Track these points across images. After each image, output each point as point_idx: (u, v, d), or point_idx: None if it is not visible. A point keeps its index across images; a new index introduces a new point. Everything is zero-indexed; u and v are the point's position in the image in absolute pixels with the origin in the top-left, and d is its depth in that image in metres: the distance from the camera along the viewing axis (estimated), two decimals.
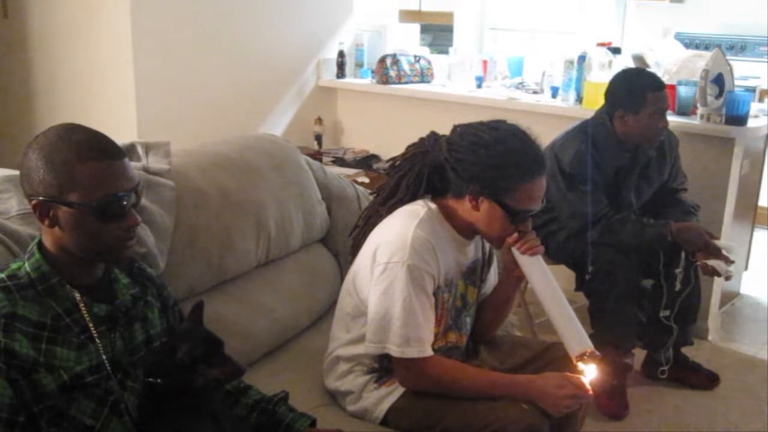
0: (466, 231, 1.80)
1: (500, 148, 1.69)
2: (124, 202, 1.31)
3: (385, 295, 1.69)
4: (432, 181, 1.81)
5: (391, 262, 1.69)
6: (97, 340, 1.33)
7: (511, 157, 1.68)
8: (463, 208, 1.75)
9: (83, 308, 1.32)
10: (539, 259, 1.76)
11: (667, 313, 2.77)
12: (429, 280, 1.70)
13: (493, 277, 1.99)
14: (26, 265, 1.31)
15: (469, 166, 1.71)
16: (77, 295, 1.32)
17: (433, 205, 1.78)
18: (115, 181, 1.30)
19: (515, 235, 1.74)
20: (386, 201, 1.87)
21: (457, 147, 1.74)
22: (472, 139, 1.72)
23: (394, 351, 1.69)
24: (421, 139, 1.87)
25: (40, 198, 1.28)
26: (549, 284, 1.75)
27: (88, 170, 1.27)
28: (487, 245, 1.93)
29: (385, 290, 1.69)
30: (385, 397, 1.76)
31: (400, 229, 1.73)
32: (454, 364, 1.77)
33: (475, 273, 1.89)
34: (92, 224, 1.29)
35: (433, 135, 1.85)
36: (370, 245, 1.78)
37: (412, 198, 1.83)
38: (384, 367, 1.79)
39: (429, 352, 1.71)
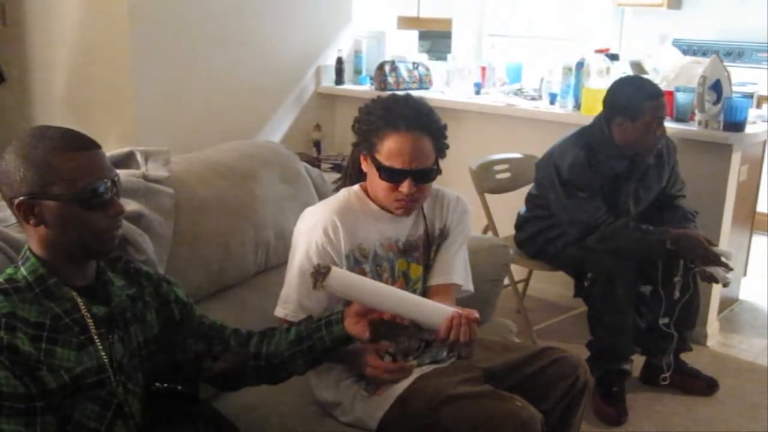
0: None
1: (377, 101, 1.76)
2: (106, 190, 1.32)
3: (288, 260, 1.82)
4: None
5: (294, 231, 1.82)
6: (97, 341, 1.33)
7: (381, 108, 1.73)
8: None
9: (83, 308, 1.33)
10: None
11: (666, 320, 2.77)
12: (317, 250, 1.74)
13: (453, 256, 1.92)
14: (22, 269, 1.32)
15: (357, 126, 1.78)
16: (76, 295, 1.33)
17: (355, 188, 1.84)
18: (95, 170, 1.31)
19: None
20: None
21: (356, 120, 1.80)
22: (362, 107, 1.80)
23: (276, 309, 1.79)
24: None
25: (23, 197, 1.29)
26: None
27: (67, 162, 1.28)
28: (436, 223, 1.90)
29: (289, 256, 1.82)
30: (379, 406, 1.76)
31: (310, 209, 1.84)
32: None
33: (417, 250, 1.87)
34: (78, 215, 1.29)
35: None
36: None
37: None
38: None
39: (293, 316, 1.75)
